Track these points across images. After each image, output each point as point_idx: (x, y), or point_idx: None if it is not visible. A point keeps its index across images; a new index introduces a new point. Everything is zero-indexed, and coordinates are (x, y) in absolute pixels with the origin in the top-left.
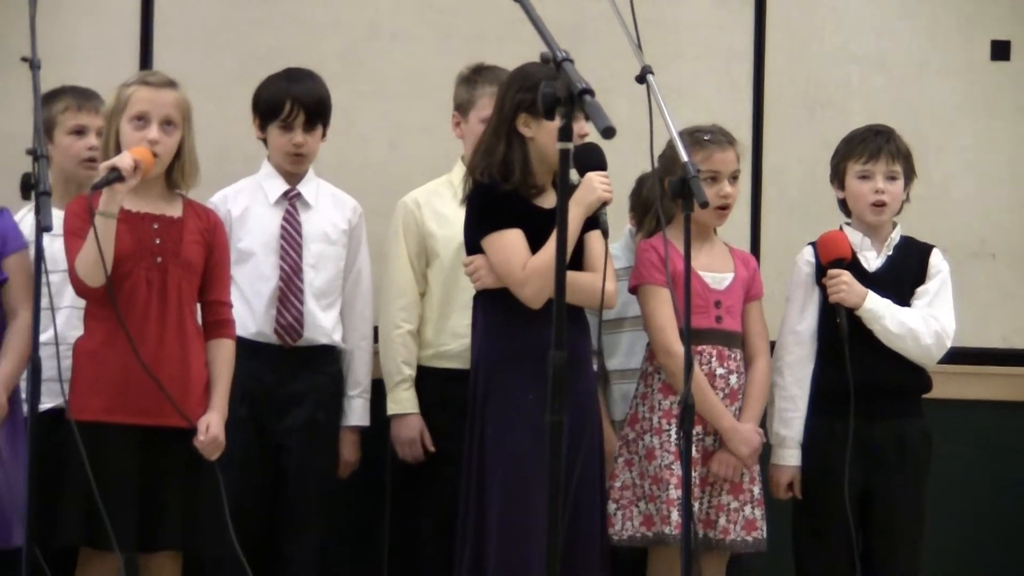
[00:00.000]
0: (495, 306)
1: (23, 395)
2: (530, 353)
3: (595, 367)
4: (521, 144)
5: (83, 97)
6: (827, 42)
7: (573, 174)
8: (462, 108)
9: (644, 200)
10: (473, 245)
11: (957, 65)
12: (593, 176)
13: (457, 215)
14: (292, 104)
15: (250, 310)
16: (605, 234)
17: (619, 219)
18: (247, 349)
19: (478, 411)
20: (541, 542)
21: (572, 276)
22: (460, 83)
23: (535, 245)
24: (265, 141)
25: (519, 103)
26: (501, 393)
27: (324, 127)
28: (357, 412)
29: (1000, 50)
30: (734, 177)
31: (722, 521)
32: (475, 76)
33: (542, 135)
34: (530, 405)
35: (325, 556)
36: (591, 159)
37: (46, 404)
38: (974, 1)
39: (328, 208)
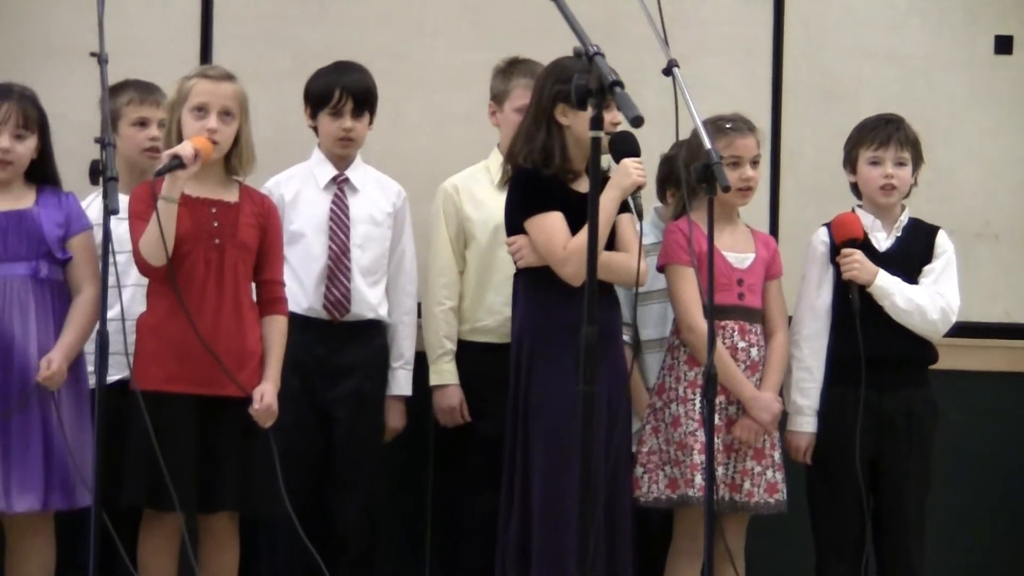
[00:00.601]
0: (536, 283)
1: (89, 368)
2: (568, 327)
3: (628, 338)
4: (560, 132)
5: (145, 91)
6: (841, 37)
7: (608, 160)
8: (498, 98)
9: (670, 175)
10: (515, 226)
11: (962, 59)
12: (628, 162)
13: (492, 199)
14: (341, 92)
15: (301, 287)
16: (639, 216)
17: (648, 201)
18: (299, 324)
19: (521, 380)
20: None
21: (607, 256)
22: (496, 75)
23: (573, 227)
24: (316, 130)
25: (557, 94)
26: (542, 363)
27: (371, 115)
28: (401, 382)
29: (1003, 45)
30: (754, 162)
31: (747, 485)
32: (510, 69)
33: (578, 124)
34: (569, 374)
35: (372, 515)
36: (626, 146)
37: (112, 376)
38: None
39: (374, 192)
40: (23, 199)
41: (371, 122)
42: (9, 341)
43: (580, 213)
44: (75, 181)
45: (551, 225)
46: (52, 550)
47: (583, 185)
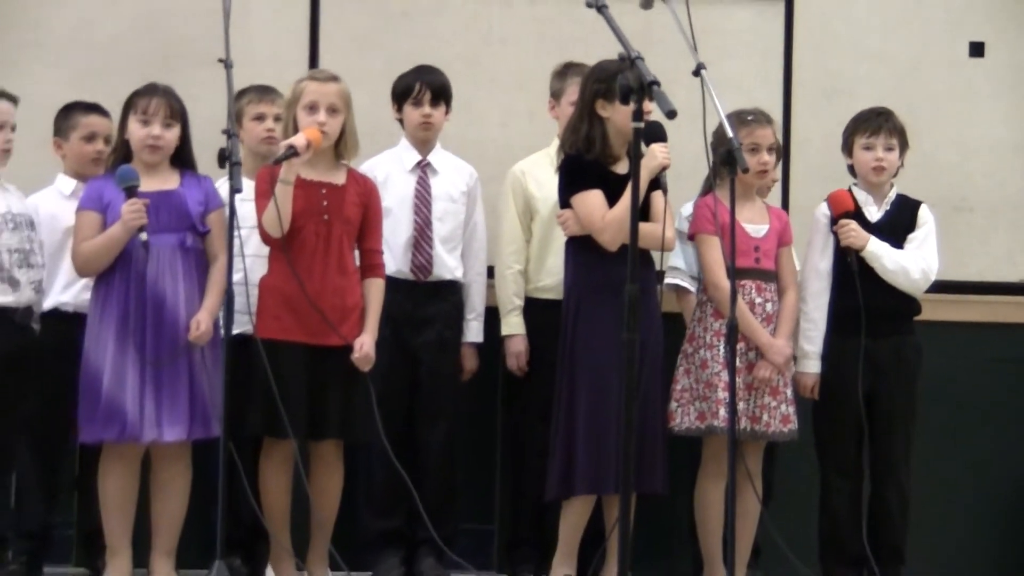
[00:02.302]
0: (581, 249)
1: (220, 321)
2: (608, 285)
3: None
4: (600, 123)
5: (263, 91)
6: (841, 43)
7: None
8: (556, 95)
9: None
10: (564, 202)
11: (943, 61)
12: (655, 146)
13: (552, 180)
14: (421, 85)
15: (391, 253)
16: (664, 192)
17: (676, 181)
18: (389, 284)
19: (569, 330)
20: (618, 431)
21: (640, 226)
22: (554, 76)
23: (611, 202)
24: (401, 122)
25: (596, 91)
26: (587, 316)
27: (447, 105)
28: (474, 331)
29: (976, 49)
30: (771, 149)
31: (765, 417)
32: (566, 70)
33: (616, 115)
34: (607, 322)
35: (451, 443)
36: (655, 133)
37: (237, 330)
38: (956, 10)
39: (451, 174)
40: (170, 181)
41: (447, 112)
42: (161, 300)
43: (617, 190)
44: (205, 166)
45: (591, 201)
46: (190, 473)
47: (620, 167)
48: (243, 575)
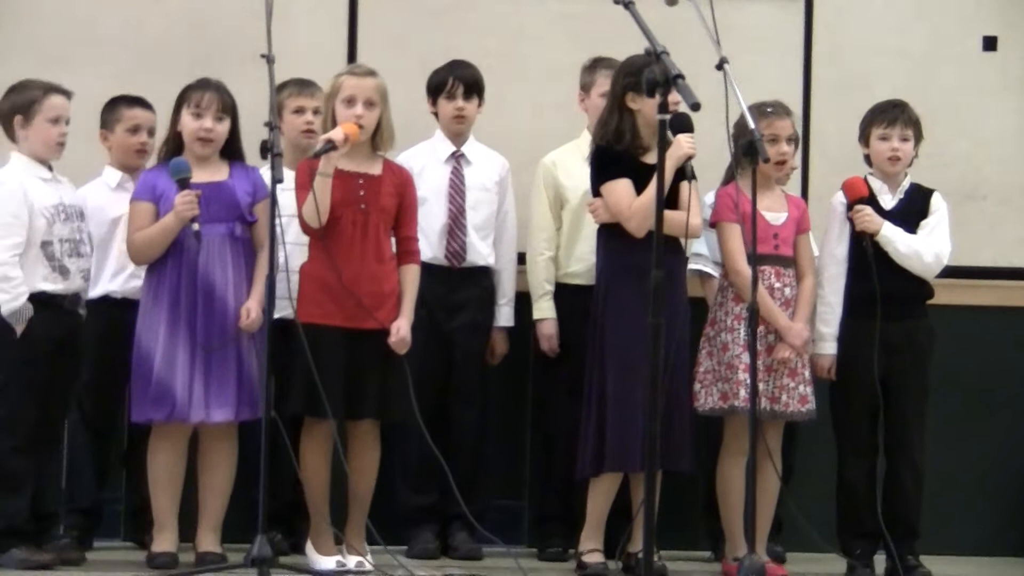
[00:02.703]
0: (611, 236)
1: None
2: (636, 270)
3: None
4: (630, 115)
5: (303, 85)
6: (858, 39)
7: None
8: (585, 88)
9: None
10: (595, 191)
11: (956, 55)
12: (681, 137)
13: (582, 170)
14: (454, 80)
15: (427, 240)
16: (691, 180)
17: (698, 171)
18: (425, 270)
19: (599, 313)
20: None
21: (665, 214)
22: (584, 70)
23: (641, 190)
24: (436, 115)
25: (626, 85)
26: (615, 300)
27: (479, 98)
28: (505, 316)
29: (989, 43)
30: (789, 139)
31: (784, 397)
32: (594, 64)
33: (645, 108)
34: (635, 305)
35: (483, 422)
36: (681, 124)
37: (277, 314)
38: (970, 6)
39: (484, 164)
40: (220, 172)
41: (480, 105)
42: (211, 288)
43: (645, 179)
44: (247, 157)
45: (620, 190)
46: (236, 452)
47: (650, 157)
48: (284, 549)
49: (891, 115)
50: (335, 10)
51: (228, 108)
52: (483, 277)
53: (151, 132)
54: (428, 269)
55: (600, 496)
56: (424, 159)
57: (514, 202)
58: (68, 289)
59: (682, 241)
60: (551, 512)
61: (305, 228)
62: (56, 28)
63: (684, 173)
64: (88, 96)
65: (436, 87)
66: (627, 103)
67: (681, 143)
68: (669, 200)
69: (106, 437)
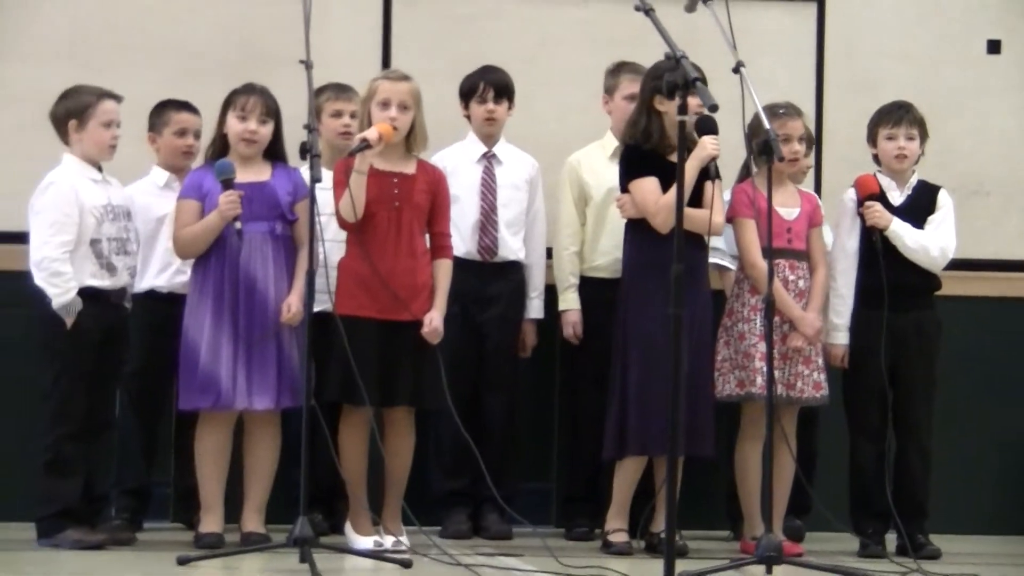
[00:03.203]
0: (637, 231)
1: None
2: (659, 264)
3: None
4: (657, 116)
5: (340, 89)
6: (868, 43)
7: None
8: (609, 91)
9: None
10: (623, 188)
11: (961, 58)
12: (706, 139)
13: (605, 169)
14: (485, 84)
15: (460, 236)
16: (715, 180)
17: (720, 168)
18: (458, 264)
19: (623, 304)
20: (666, 397)
21: (689, 211)
22: (607, 74)
23: (666, 188)
24: (468, 118)
25: (653, 88)
26: (639, 292)
27: (509, 102)
28: (535, 308)
29: (993, 47)
30: (801, 139)
31: (799, 384)
32: (618, 69)
33: (671, 110)
34: (658, 297)
35: (513, 409)
36: (707, 126)
37: (316, 308)
38: (973, 10)
39: (514, 164)
40: (262, 172)
41: (510, 107)
42: (252, 283)
43: (672, 178)
44: (288, 159)
45: (646, 187)
46: (279, 438)
47: (676, 156)
48: (324, 529)
49: (897, 115)
50: (370, 18)
51: (272, 112)
52: (514, 271)
53: (197, 135)
54: (461, 263)
55: (624, 479)
56: (457, 159)
57: (543, 199)
58: (115, 285)
59: (705, 237)
60: (577, 494)
61: (342, 224)
62: (108, 35)
63: (708, 173)
64: (135, 100)
65: (468, 91)
66: (655, 105)
67: (705, 144)
68: (694, 198)
69: (153, 423)
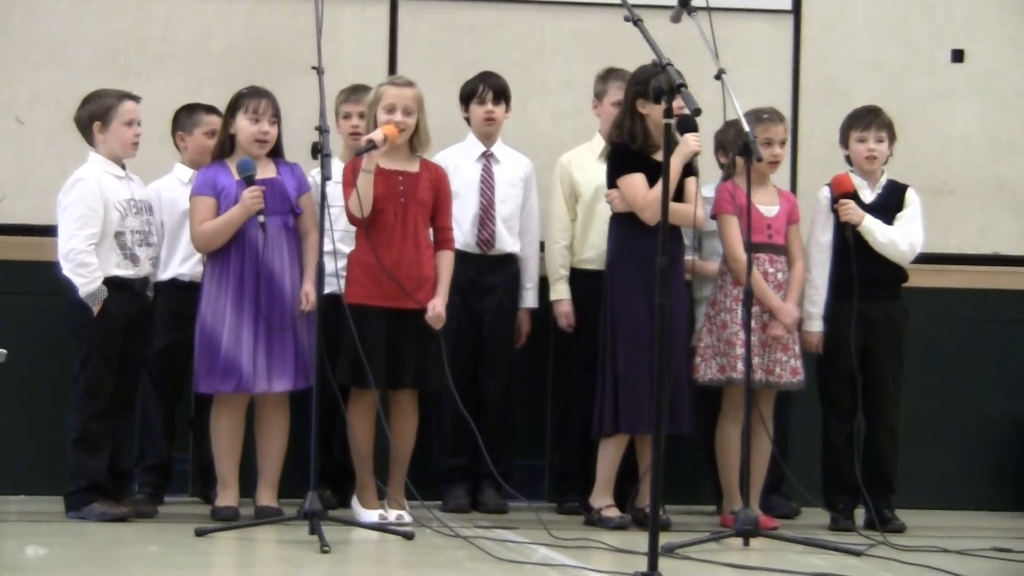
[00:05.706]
0: (624, 224)
1: None
2: (644, 256)
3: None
4: (641, 119)
5: (350, 92)
6: (841, 52)
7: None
8: (599, 96)
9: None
10: (611, 184)
11: (927, 66)
12: (689, 136)
13: (594, 168)
14: (484, 86)
15: (460, 230)
16: (696, 175)
17: (702, 167)
18: (458, 256)
19: (610, 293)
20: (651, 381)
21: (674, 206)
22: (597, 79)
23: (652, 184)
24: (468, 120)
25: (636, 92)
26: (625, 282)
27: (507, 104)
28: (530, 298)
29: (957, 56)
30: (782, 142)
31: (777, 370)
32: (607, 75)
33: (653, 112)
34: (642, 287)
35: (509, 391)
36: (688, 125)
37: (326, 290)
38: (939, 22)
39: (511, 163)
40: (270, 170)
41: (508, 110)
42: (271, 272)
43: (657, 175)
44: (300, 157)
45: (635, 183)
46: (288, 418)
47: (660, 155)
48: (333, 504)
49: (867, 119)
50: (378, 27)
51: (278, 113)
52: (510, 263)
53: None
54: (461, 255)
55: (608, 457)
56: (458, 158)
57: (537, 196)
58: (138, 274)
59: (684, 231)
60: (569, 471)
61: (352, 219)
62: (136, 42)
63: (691, 169)
64: (157, 102)
65: (468, 94)
66: (638, 108)
67: (689, 141)
68: (676, 193)
69: (173, 402)
